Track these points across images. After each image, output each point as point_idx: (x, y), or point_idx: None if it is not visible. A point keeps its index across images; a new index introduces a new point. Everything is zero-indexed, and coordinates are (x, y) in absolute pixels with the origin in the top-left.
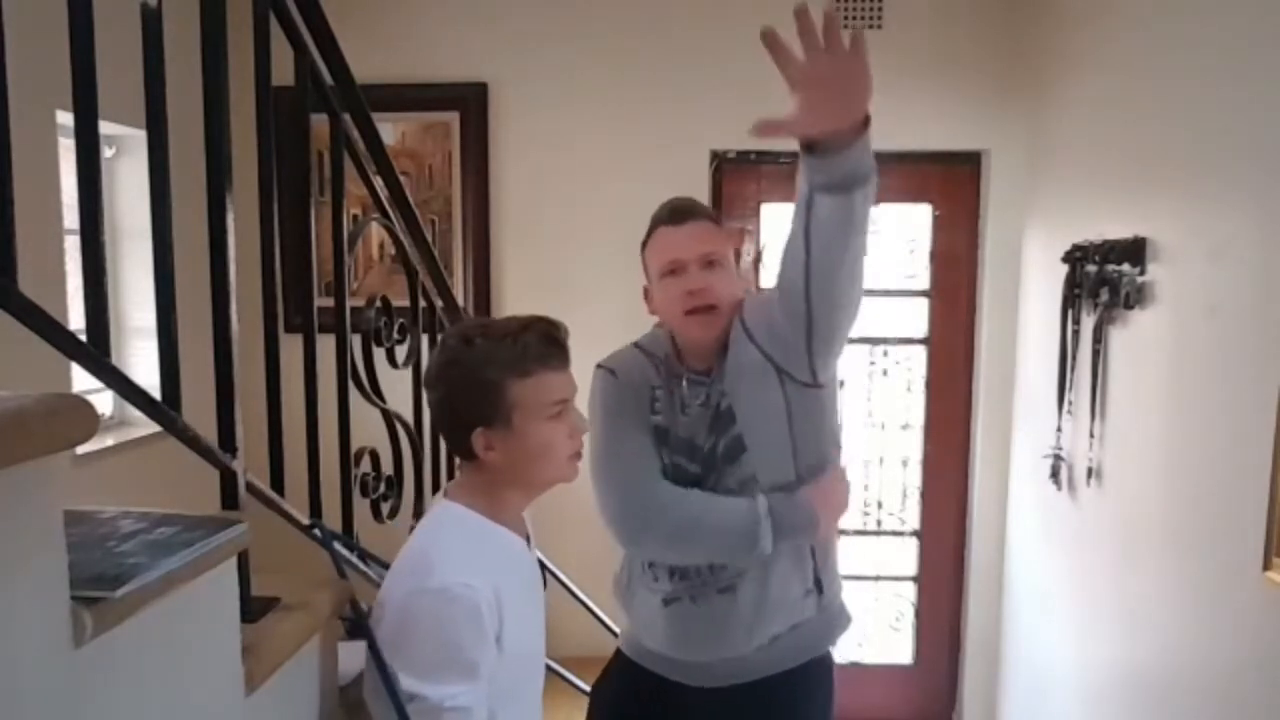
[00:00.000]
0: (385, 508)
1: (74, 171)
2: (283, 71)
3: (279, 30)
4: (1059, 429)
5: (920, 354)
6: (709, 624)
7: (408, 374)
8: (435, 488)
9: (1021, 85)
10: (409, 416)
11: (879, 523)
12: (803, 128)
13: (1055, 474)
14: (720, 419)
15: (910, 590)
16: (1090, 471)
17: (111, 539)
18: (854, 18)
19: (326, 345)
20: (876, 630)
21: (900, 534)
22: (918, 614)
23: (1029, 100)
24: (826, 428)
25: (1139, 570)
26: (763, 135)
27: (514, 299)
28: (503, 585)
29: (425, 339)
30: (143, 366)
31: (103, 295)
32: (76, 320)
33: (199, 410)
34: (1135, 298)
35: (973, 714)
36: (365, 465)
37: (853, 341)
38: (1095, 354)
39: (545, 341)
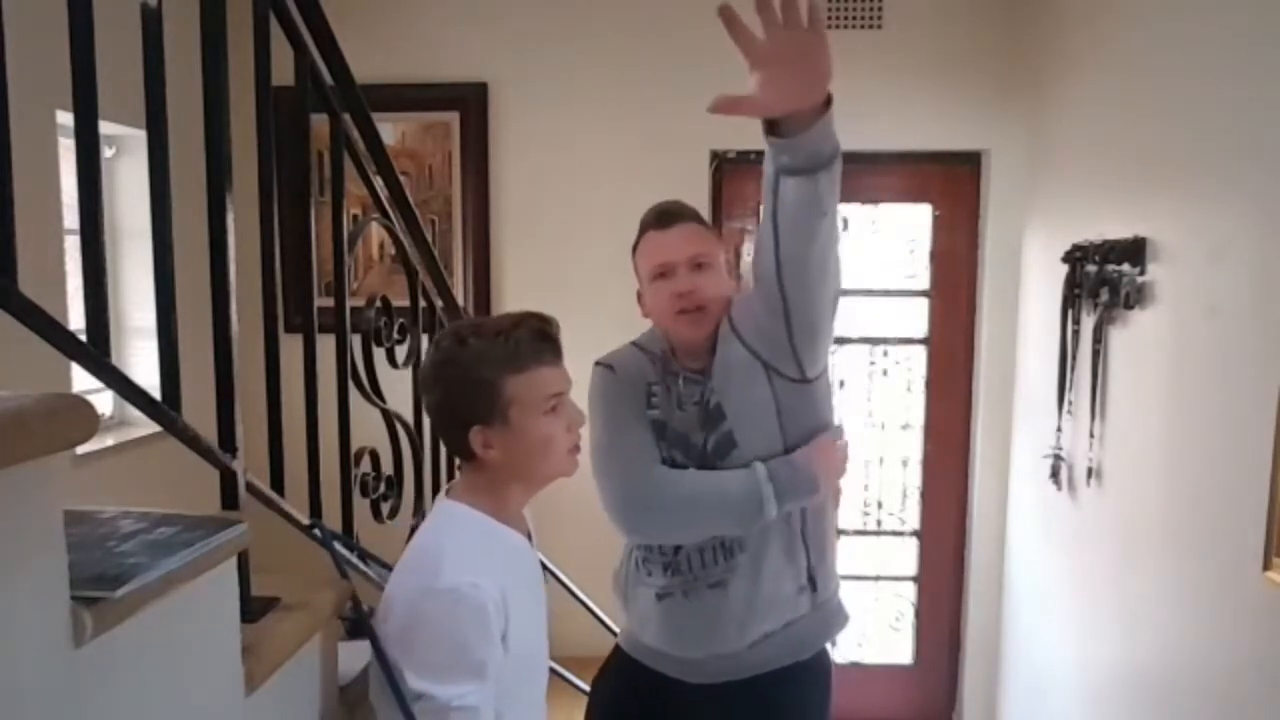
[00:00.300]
0: (385, 508)
1: (74, 171)
2: (283, 71)
3: (279, 30)
4: (1059, 429)
5: (920, 354)
6: (701, 619)
7: (408, 374)
8: (435, 488)
9: (1021, 85)
10: (409, 416)
11: (879, 523)
12: (763, 107)
13: (1055, 474)
14: (711, 416)
15: (910, 590)
16: (1090, 471)
17: (111, 539)
18: (854, 18)
19: (326, 345)
20: (876, 630)
21: (900, 534)
22: (918, 614)
23: (1029, 100)
24: (818, 424)
25: (1139, 570)
26: (721, 113)
27: (514, 299)
28: (508, 585)
29: (425, 339)
30: (143, 366)
31: (103, 295)
32: (76, 320)
33: (199, 410)
34: (1135, 298)
35: (973, 714)
36: (365, 465)
37: (853, 341)
38: (1095, 354)
39: (538, 337)
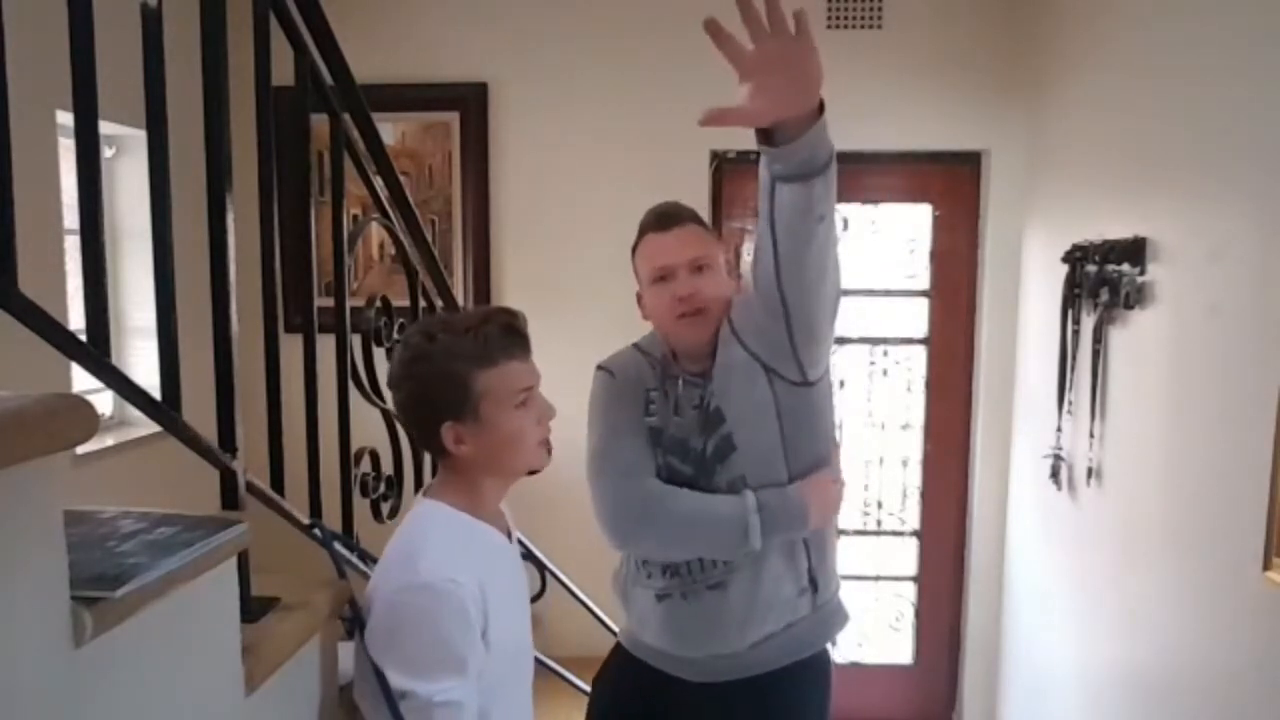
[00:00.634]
0: (385, 508)
1: (74, 171)
2: (283, 71)
3: (279, 30)
4: (1059, 429)
5: (920, 354)
6: (700, 620)
7: None
8: None
9: (1021, 85)
10: None
11: (879, 523)
12: (753, 116)
13: (1055, 474)
14: (710, 420)
15: (910, 590)
16: (1090, 471)
17: (111, 539)
18: (854, 18)
19: (326, 345)
20: (876, 630)
21: (900, 534)
22: (918, 614)
23: (1029, 100)
24: (820, 428)
25: (1139, 570)
26: (711, 125)
27: (514, 299)
28: (487, 581)
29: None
30: (143, 366)
31: (103, 295)
32: (76, 320)
33: (199, 410)
34: (1135, 298)
35: (973, 714)
36: (365, 465)
37: (853, 341)
38: (1095, 354)
39: (506, 331)
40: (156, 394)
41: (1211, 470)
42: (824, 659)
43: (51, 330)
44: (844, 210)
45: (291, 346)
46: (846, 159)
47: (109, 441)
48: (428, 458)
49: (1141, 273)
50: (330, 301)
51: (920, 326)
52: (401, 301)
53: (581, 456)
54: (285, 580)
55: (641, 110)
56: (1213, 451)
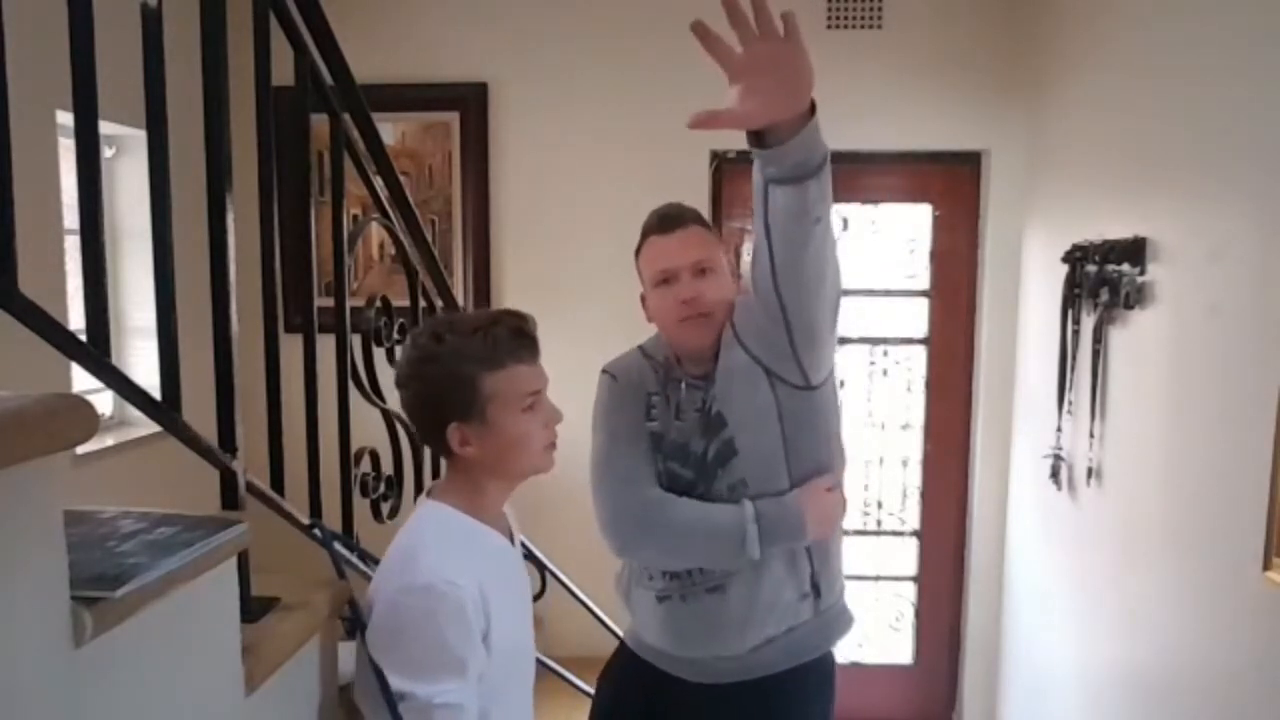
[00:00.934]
0: (385, 508)
1: (74, 171)
2: (283, 71)
3: (279, 30)
4: (1059, 429)
5: (920, 354)
6: (700, 622)
7: None
8: None
9: (1021, 85)
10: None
11: (879, 523)
12: (743, 119)
13: (1055, 474)
14: (711, 423)
15: (910, 590)
16: (1090, 471)
17: (111, 539)
18: (854, 18)
19: (326, 345)
20: (876, 630)
21: (900, 534)
22: (918, 614)
23: (1029, 100)
24: (823, 434)
25: (1139, 570)
26: (701, 128)
27: (514, 299)
28: (488, 583)
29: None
30: (143, 366)
31: (103, 295)
32: (76, 320)
33: (199, 410)
34: (1135, 298)
35: (973, 714)
36: (365, 465)
37: (853, 341)
38: (1095, 354)
39: (515, 334)
40: (156, 394)
41: (1211, 470)
42: (827, 662)
43: (51, 330)
44: (844, 210)
45: (291, 346)
46: (846, 159)
47: (109, 441)
48: (428, 458)
49: (1141, 273)
50: (330, 301)
51: (920, 326)
52: (401, 301)
53: (581, 457)
54: (285, 580)
55: (641, 110)
56: (1213, 451)
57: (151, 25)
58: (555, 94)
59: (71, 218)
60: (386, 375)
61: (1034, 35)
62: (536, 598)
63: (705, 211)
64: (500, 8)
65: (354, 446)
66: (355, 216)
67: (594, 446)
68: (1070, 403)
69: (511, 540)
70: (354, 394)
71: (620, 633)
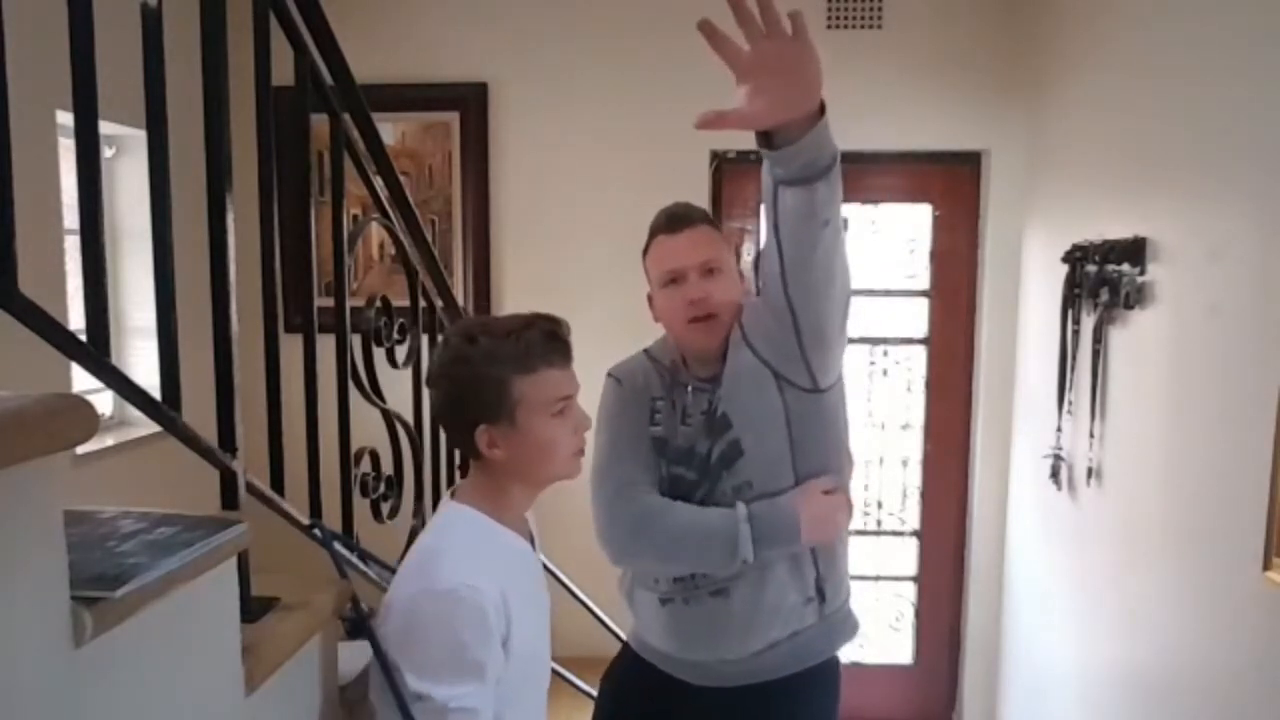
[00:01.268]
0: (385, 508)
1: (74, 171)
2: (283, 71)
3: (279, 30)
4: (1059, 429)
5: (920, 354)
6: (702, 625)
7: (408, 374)
8: (435, 487)
9: (1021, 85)
10: (409, 416)
11: (879, 523)
12: (751, 119)
13: (1055, 474)
14: (716, 424)
15: (910, 590)
16: (1090, 471)
17: (111, 539)
18: (854, 18)
19: (326, 345)
20: (876, 630)
21: (900, 534)
22: (918, 614)
23: (1029, 100)
24: (831, 437)
25: (1139, 570)
26: (708, 128)
27: (514, 299)
28: (509, 587)
29: (425, 339)
30: (143, 366)
31: (103, 295)
32: (76, 320)
33: (199, 410)
34: (1135, 298)
35: (973, 714)
36: (365, 465)
37: (853, 341)
38: (1095, 354)
39: (548, 339)
40: (156, 394)
41: (1211, 470)
42: (832, 667)
43: (51, 330)
44: (844, 210)
45: (291, 346)
46: (846, 159)
47: (109, 441)
48: (428, 458)
49: (1141, 273)
50: (330, 301)
51: (920, 326)
52: (401, 301)
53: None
54: (285, 580)
55: (641, 110)
56: (1213, 451)
57: (151, 25)
58: (555, 94)
59: (71, 218)
60: (386, 375)
61: (1034, 35)
62: None
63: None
64: (500, 8)
65: (354, 446)
66: (355, 216)
67: (595, 452)
68: (1070, 403)
69: (532, 545)
70: (354, 394)
71: (620, 632)
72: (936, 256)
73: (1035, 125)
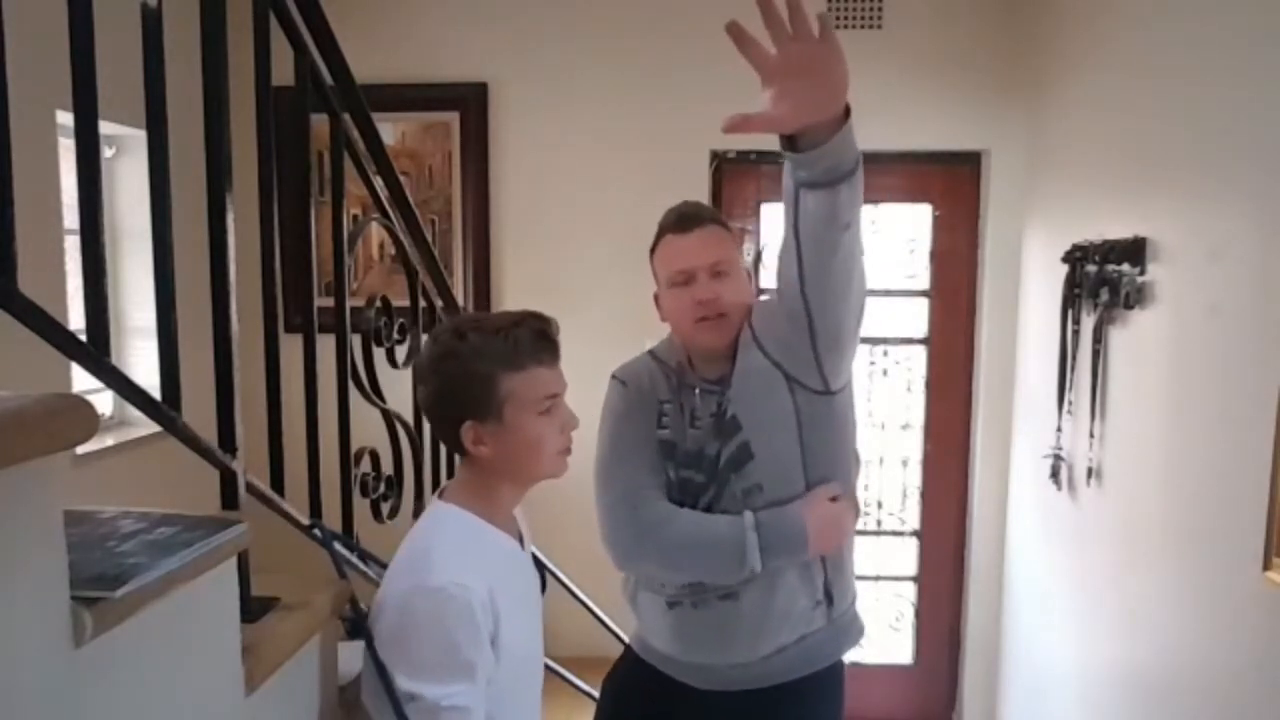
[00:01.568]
0: (385, 508)
1: (74, 171)
2: (283, 71)
3: (279, 30)
4: (1059, 429)
5: (920, 354)
6: (711, 629)
7: (408, 374)
8: (435, 488)
9: (1021, 85)
10: (409, 416)
11: (879, 523)
12: (777, 122)
13: (1055, 474)
14: (725, 426)
15: (910, 590)
16: (1090, 471)
17: (111, 539)
18: (854, 18)
19: (326, 345)
20: (876, 630)
21: (900, 534)
22: (918, 614)
23: (1029, 100)
24: (841, 439)
25: (1139, 570)
26: (734, 131)
27: (514, 299)
28: (497, 586)
29: (425, 339)
30: (143, 366)
31: (103, 295)
32: (76, 320)
33: (199, 410)
34: (1135, 298)
35: (973, 714)
36: (365, 465)
37: None
38: (1095, 354)
39: (537, 336)
40: (156, 394)
41: (1211, 470)
42: (838, 671)
43: (51, 330)
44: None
45: (291, 346)
46: None
47: (109, 441)
48: (428, 458)
49: (1141, 273)
50: (330, 301)
51: (920, 326)
52: (401, 301)
53: (582, 458)
54: (285, 580)
55: (641, 110)
56: (1213, 451)
57: (151, 25)
58: (555, 94)
59: (71, 218)
60: (386, 375)
61: (1034, 35)
62: None
63: None
64: (500, 8)
65: (354, 446)
66: (355, 216)
67: (599, 455)
68: (1070, 403)
69: (522, 544)
70: (354, 394)
71: (620, 633)
72: (936, 256)
73: (1035, 125)
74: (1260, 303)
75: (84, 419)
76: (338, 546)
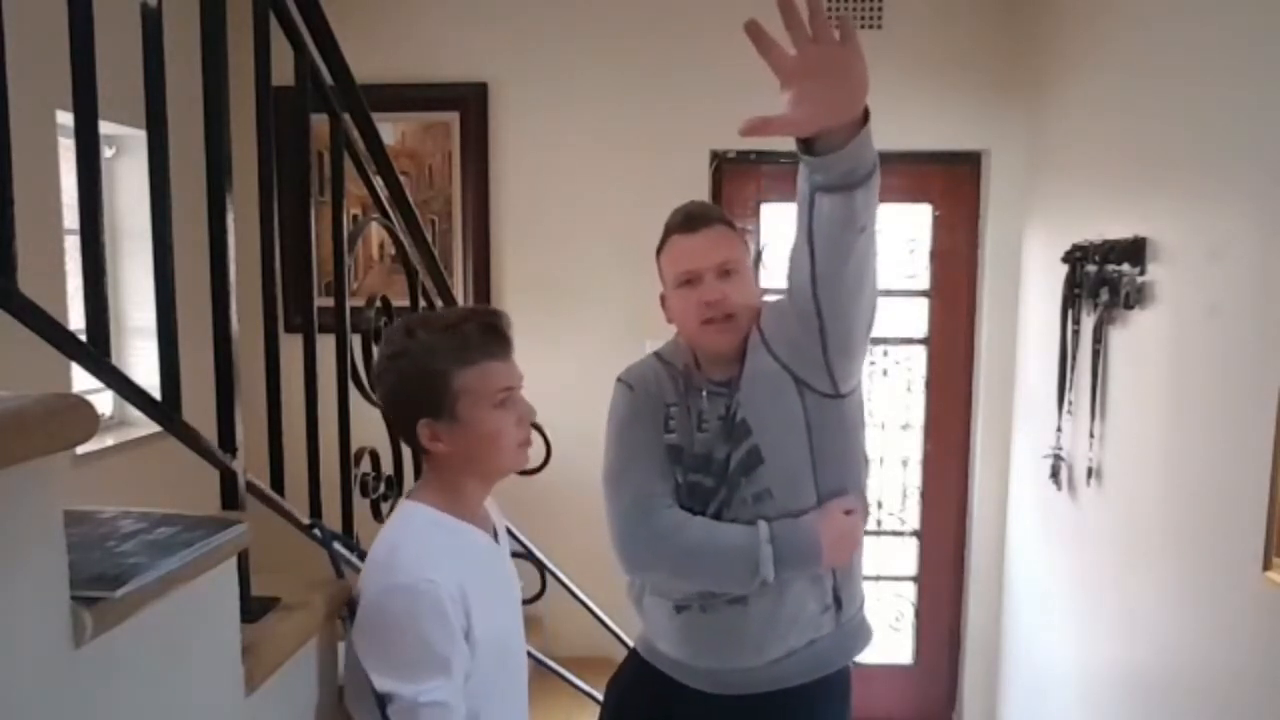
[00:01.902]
0: (385, 508)
1: (74, 171)
2: (283, 71)
3: (279, 30)
4: (1059, 429)
5: (920, 354)
6: (719, 634)
7: None
8: None
9: (1021, 85)
10: None
11: (879, 523)
12: (796, 125)
13: (1055, 474)
14: (735, 430)
15: (910, 590)
16: (1090, 471)
17: (111, 539)
18: (854, 18)
19: (326, 345)
20: (876, 630)
21: (900, 534)
22: (918, 614)
23: (1029, 100)
24: (851, 444)
25: (1139, 570)
26: (753, 134)
27: (514, 299)
28: (468, 580)
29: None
30: (143, 366)
31: (103, 295)
32: (76, 320)
33: (199, 410)
34: (1135, 298)
35: (973, 714)
36: (365, 465)
37: None
38: (1095, 354)
39: (486, 330)
40: (156, 394)
41: (1211, 470)
42: (845, 676)
43: (51, 330)
44: None
45: (291, 346)
46: None
47: (109, 441)
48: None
49: (1141, 273)
50: (330, 301)
51: (920, 326)
52: (401, 301)
53: (582, 458)
54: (285, 580)
55: (641, 110)
56: (1213, 451)
57: (151, 25)
58: (555, 94)
59: (71, 218)
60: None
61: (1034, 35)
62: (536, 598)
63: None
64: (500, 8)
65: (354, 446)
66: (355, 216)
67: (607, 461)
68: (1070, 403)
69: (495, 538)
70: (354, 394)
71: (620, 633)
72: (936, 256)
73: (1035, 125)
74: (1260, 303)
75: (84, 419)
76: (337, 546)
